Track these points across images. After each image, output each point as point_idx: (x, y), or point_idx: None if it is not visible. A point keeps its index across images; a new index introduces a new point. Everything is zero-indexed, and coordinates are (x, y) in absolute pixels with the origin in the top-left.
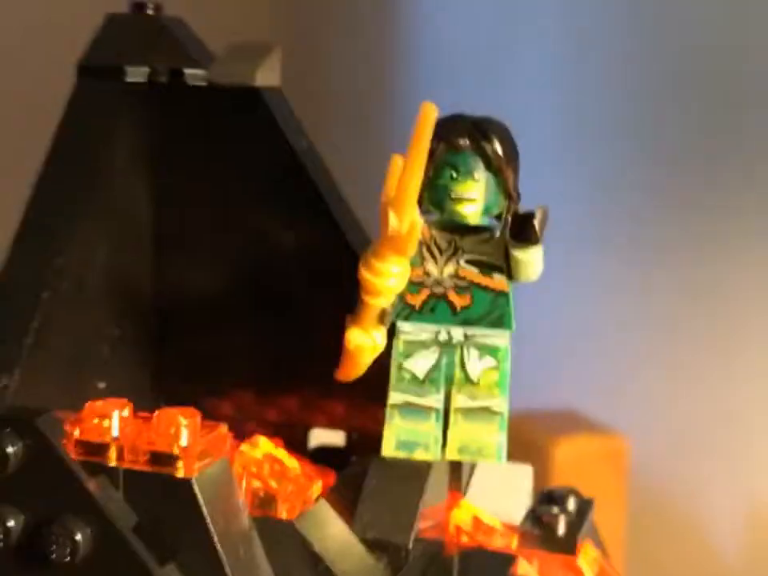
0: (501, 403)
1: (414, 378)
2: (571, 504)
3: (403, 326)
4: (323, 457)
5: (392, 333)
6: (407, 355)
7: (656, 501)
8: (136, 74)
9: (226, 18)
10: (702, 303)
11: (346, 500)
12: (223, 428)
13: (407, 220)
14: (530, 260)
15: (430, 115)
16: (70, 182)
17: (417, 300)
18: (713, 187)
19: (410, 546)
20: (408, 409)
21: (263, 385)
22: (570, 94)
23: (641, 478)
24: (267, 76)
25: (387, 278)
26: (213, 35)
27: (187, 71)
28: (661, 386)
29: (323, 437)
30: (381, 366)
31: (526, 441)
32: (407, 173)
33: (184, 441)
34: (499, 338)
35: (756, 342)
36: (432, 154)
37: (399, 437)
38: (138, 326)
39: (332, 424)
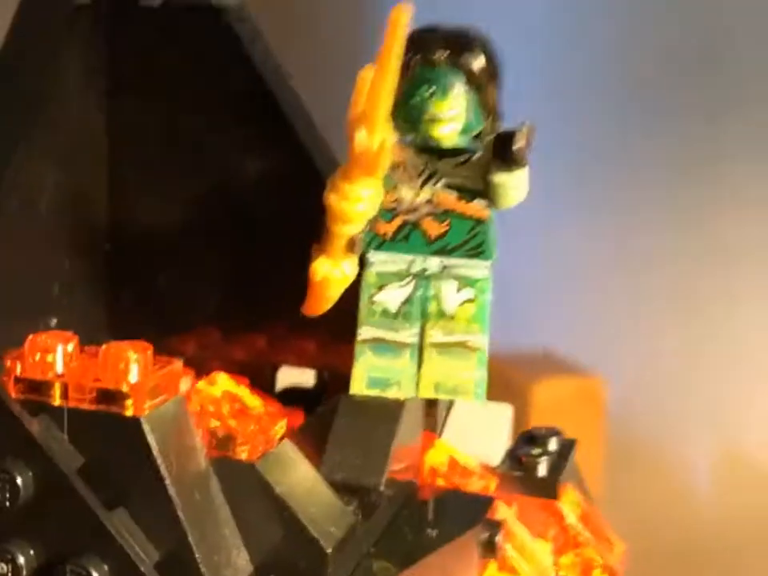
0: (479, 338)
1: (386, 311)
2: (553, 445)
3: (374, 256)
4: (293, 398)
5: (362, 263)
6: (379, 287)
7: (633, 439)
8: None
9: None
10: (679, 242)
11: (313, 441)
12: (178, 363)
13: (378, 136)
14: (515, 184)
15: (401, 19)
16: (18, 99)
17: (389, 228)
18: (691, 117)
19: (382, 488)
20: (379, 345)
21: (227, 322)
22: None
23: (617, 417)
24: None
25: (356, 202)
26: None
27: None
28: (636, 326)
29: (293, 377)
30: (353, 301)
31: (503, 382)
32: (377, 84)
33: (133, 377)
34: (478, 269)
35: (735, 282)
36: (406, 68)
37: (370, 374)
38: (91, 258)
39: (301, 362)
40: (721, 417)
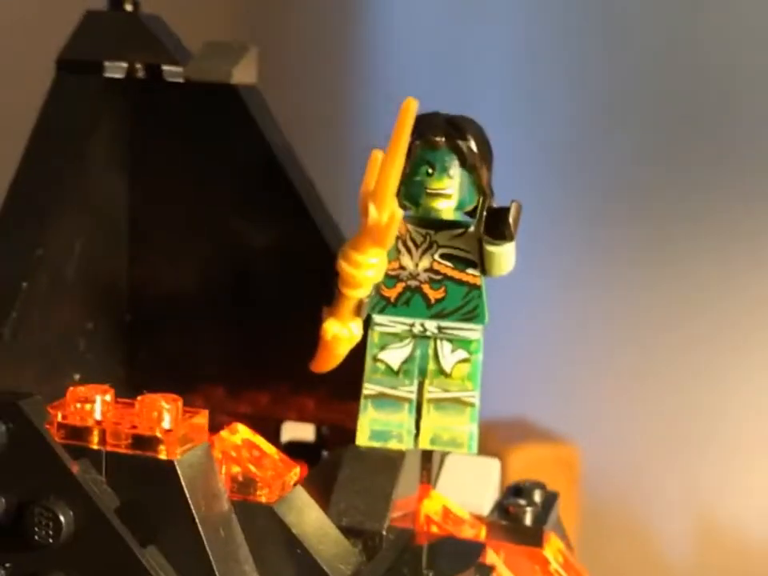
0: (472, 395)
1: (389, 369)
2: (537, 496)
3: (378, 319)
4: (294, 452)
5: (367, 325)
6: (382, 347)
7: (607, 509)
8: (114, 70)
9: (203, 17)
10: (655, 312)
11: (320, 489)
12: (204, 413)
13: (387, 211)
14: (504, 255)
15: (411, 109)
16: (49, 175)
17: (392, 293)
18: (673, 186)
19: (384, 532)
20: (382, 400)
21: (235, 380)
22: (529, 90)
23: (592, 486)
24: (243, 74)
25: (366, 269)
26: (190, 34)
27: (165, 67)
28: (612, 395)
29: (294, 432)
30: (350, 361)
31: (480, 448)
32: (387, 165)
33: (166, 424)
34: (472, 331)
35: (711, 353)
36: (409, 151)
37: (373, 427)
38: (112, 320)
39: (303, 417)
40: (697, 489)
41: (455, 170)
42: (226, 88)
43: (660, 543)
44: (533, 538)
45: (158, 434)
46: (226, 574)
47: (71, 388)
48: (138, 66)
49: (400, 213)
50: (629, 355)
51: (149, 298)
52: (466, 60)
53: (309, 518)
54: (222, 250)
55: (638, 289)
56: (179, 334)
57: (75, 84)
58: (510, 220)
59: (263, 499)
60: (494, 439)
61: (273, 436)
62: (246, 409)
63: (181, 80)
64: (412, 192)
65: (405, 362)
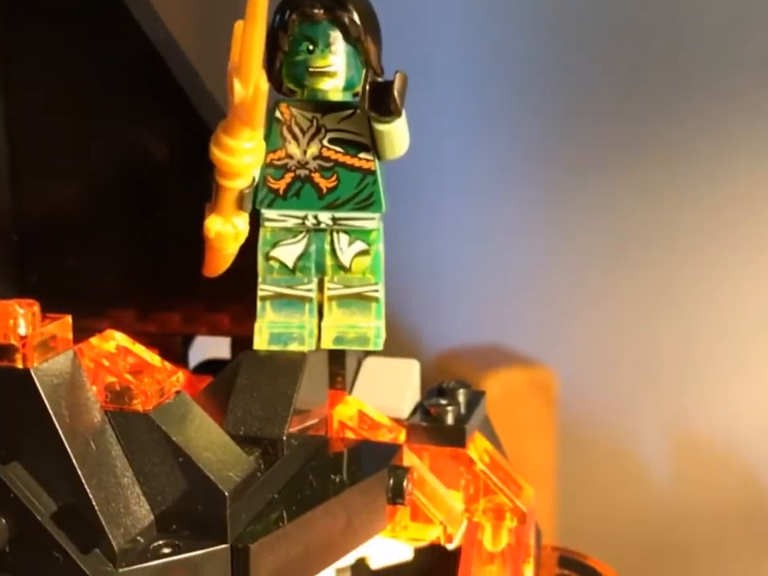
0: (376, 288)
1: (283, 267)
2: (461, 396)
3: (267, 213)
4: (210, 370)
5: (256, 221)
6: (274, 244)
7: (584, 430)
8: None
9: None
10: (626, 233)
11: (219, 399)
12: (67, 319)
13: (251, 84)
14: (394, 133)
15: None
16: None
17: (280, 185)
18: (623, 117)
19: (285, 437)
20: (279, 300)
21: (140, 298)
22: (484, 38)
23: (569, 407)
24: None
25: (240, 155)
26: None
27: None
28: (585, 317)
29: (210, 351)
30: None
31: (454, 377)
32: (246, 33)
33: (22, 330)
34: (369, 221)
35: (682, 270)
36: (286, 26)
37: (272, 330)
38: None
39: (215, 332)
40: (670, 402)
41: (339, 44)
42: None
43: (637, 458)
44: (455, 437)
45: (13, 342)
46: (98, 487)
47: None
48: None
49: (266, 84)
50: (600, 276)
51: (37, 215)
52: None
53: (192, 426)
54: (112, 158)
55: (611, 209)
56: (74, 253)
57: None
58: (395, 92)
59: (139, 408)
60: (468, 366)
61: (183, 355)
62: (154, 328)
63: None
64: (294, 73)
65: (300, 258)
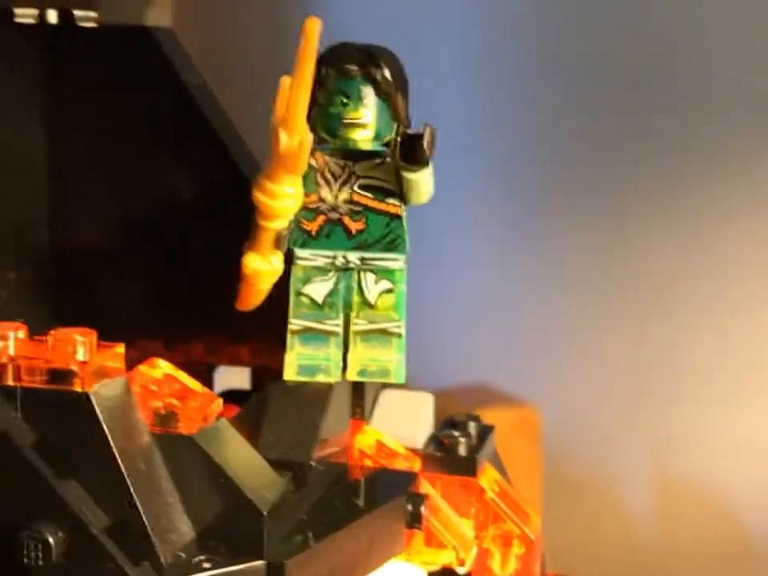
0: (398, 325)
1: (313, 303)
2: (472, 428)
3: (300, 253)
4: (230, 399)
5: (289, 261)
6: (305, 281)
7: (569, 466)
8: (24, 15)
9: None
10: (614, 276)
11: (250, 426)
12: (120, 346)
13: (297, 136)
14: (421, 181)
15: (314, 29)
16: None
17: (313, 226)
18: (615, 162)
19: (312, 462)
20: (308, 334)
21: (167, 330)
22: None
23: (553, 445)
24: (157, 16)
25: (282, 199)
26: None
27: (77, 12)
28: (571, 357)
29: (230, 379)
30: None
31: (441, 416)
32: (294, 90)
33: (80, 356)
34: (394, 261)
35: (668, 309)
36: (323, 82)
37: (300, 362)
38: (35, 271)
39: (236, 362)
40: (656, 441)
41: (370, 98)
42: (138, 30)
43: (622, 497)
44: (467, 467)
45: (72, 367)
46: (147, 504)
47: None
48: (50, 11)
49: (310, 137)
50: (587, 318)
51: (73, 249)
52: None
53: (232, 449)
54: (146, 197)
55: (600, 253)
56: (105, 286)
57: None
58: (424, 144)
59: (184, 431)
60: (455, 406)
61: (207, 383)
62: (179, 358)
63: (94, 24)
64: (329, 124)
65: (329, 295)
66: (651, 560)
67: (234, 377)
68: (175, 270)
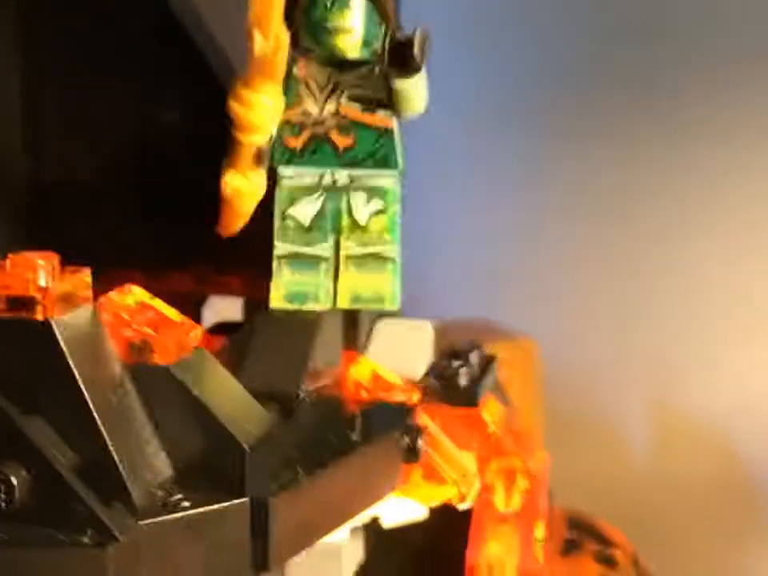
0: (392, 248)
1: (300, 226)
2: (474, 358)
3: (285, 171)
4: (223, 333)
5: (274, 181)
6: (291, 202)
7: (569, 401)
8: None
9: None
10: (609, 202)
11: (232, 358)
12: (86, 271)
13: (272, 36)
14: (413, 90)
15: None
16: None
17: (297, 142)
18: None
19: (301, 393)
20: (295, 260)
21: (149, 259)
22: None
23: (553, 380)
24: None
25: (260, 109)
26: None
27: None
28: (573, 294)
29: (221, 311)
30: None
31: (440, 348)
32: None
33: (42, 282)
34: (386, 179)
35: (666, 239)
36: None
37: (288, 289)
38: (12, 204)
39: (226, 293)
40: (654, 379)
41: (356, 1)
42: None
43: (620, 430)
44: (467, 397)
45: (33, 293)
46: (119, 440)
47: None
48: None
49: (286, 36)
50: (588, 256)
51: (50, 180)
52: None
53: (211, 380)
54: (126, 122)
55: (594, 180)
56: (85, 217)
57: None
58: (416, 48)
59: (159, 361)
60: (452, 339)
61: (196, 317)
62: (165, 289)
63: None
64: (312, 29)
65: (316, 217)
66: (650, 494)
67: (226, 310)
68: (159, 197)
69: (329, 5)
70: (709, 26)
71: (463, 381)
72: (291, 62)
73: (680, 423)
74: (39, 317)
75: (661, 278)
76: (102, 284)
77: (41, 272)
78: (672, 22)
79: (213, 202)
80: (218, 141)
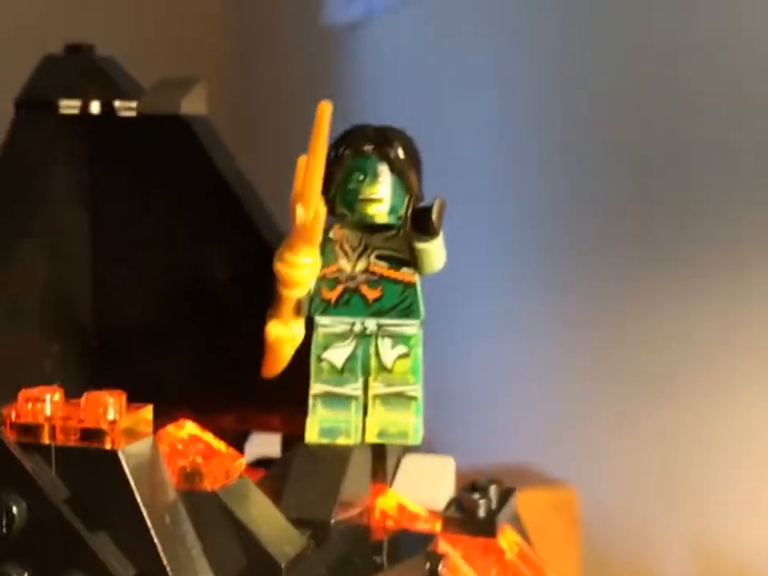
0: (415, 388)
1: (333, 368)
2: (492, 491)
3: (321, 320)
4: (263, 467)
5: (310, 328)
6: (325, 347)
7: (608, 550)
8: (69, 107)
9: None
10: (646, 347)
11: (274, 488)
12: (148, 408)
13: (312, 209)
14: (432, 251)
15: (325, 112)
16: (9, 206)
17: (332, 295)
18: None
19: (333, 520)
20: (329, 398)
21: (202, 400)
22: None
23: (592, 528)
24: (193, 105)
25: (300, 268)
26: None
27: (117, 103)
28: (609, 437)
29: (261, 446)
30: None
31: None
32: (309, 167)
33: (111, 416)
34: (409, 327)
35: (704, 387)
36: (341, 160)
37: (322, 425)
38: (77, 344)
39: (268, 429)
40: (694, 524)
41: (385, 176)
42: (175, 119)
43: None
44: (486, 528)
45: (103, 426)
46: (172, 557)
47: (23, 390)
48: (92, 102)
49: (324, 209)
50: (627, 398)
51: (113, 324)
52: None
53: (253, 505)
54: (181, 276)
55: (635, 320)
56: (143, 359)
57: (32, 121)
58: (434, 216)
59: (208, 487)
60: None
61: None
62: (212, 427)
63: (133, 114)
64: (347, 199)
65: (348, 360)
66: None
67: (266, 446)
68: (208, 343)
69: (362, 178)
70: None
71: (482, 512)
72: (328, 227)
73: (722, 569)
74: (108, 446)
75: (703, 424)
76: (157, 419)
77: (110, 407)
78: None
79: (256, 347)
80: (260, 295)
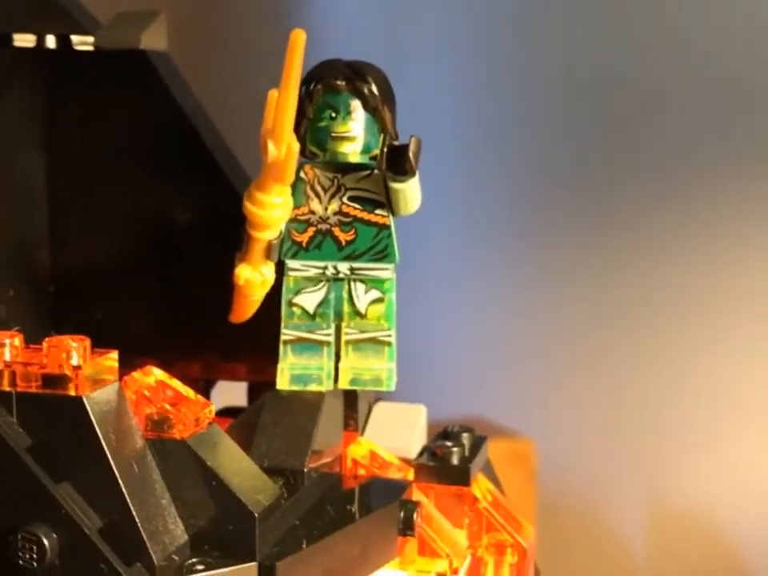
0: (389, 333)
1: (305, 313)
2: (465, 439)
3: (291, 264)
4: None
5: (281, 272)
6: (296, 292)
7: (563, 500)
8: (23, 40)
9: None
10: (606, 308)
11: (244, 435)
12: (113, 353)
13: (284, 146)
14: (408, 191)
15: (298, 41)
16: None
17: (303, 238)
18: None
19: (306, 469)
20: (300, 344)
21: (165, 347)
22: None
23: (548, 479)
24: (153, 40)
25: (271, 208)
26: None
27: (74, 37)
28: (565, 389)
29: (228, 395)
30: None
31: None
32: (281, 101)
33: (74, 362)
34: (383, 271)
35: (662, 346)
36: (311, 96)
37: (293, 371)
38: (34, 289)
39: (235, 378)
40: (651, 476)
41: (358, 113)
42: (134, 53)
43: (614, 531)
44: (459, 476)
45: (67, 372)
46: (140, 506)
47: None
48: (48, 36)
49: (297, 146)
50: (581, 350)
51: (71, 268)
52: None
53: (224, 453)
54: (142, 216)
55: (593, 282)
56: (103, 305)
57: None
58: (410, 154)
59: (177, 435)
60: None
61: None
62: (176, 375)
63: (90, 48)
64: (318, 137)
65: (320, 305)
66: None
67: (232, 394)
68: (172, 288)
69: (334, 115)
70: None
71: (455, 460)
72: (298, 167)
73: (677, 524)
74: (72, 392)
75: (656, 376)
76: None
77: (74, 353)
78: None
79: (221, 293)
80: (225, 236)
